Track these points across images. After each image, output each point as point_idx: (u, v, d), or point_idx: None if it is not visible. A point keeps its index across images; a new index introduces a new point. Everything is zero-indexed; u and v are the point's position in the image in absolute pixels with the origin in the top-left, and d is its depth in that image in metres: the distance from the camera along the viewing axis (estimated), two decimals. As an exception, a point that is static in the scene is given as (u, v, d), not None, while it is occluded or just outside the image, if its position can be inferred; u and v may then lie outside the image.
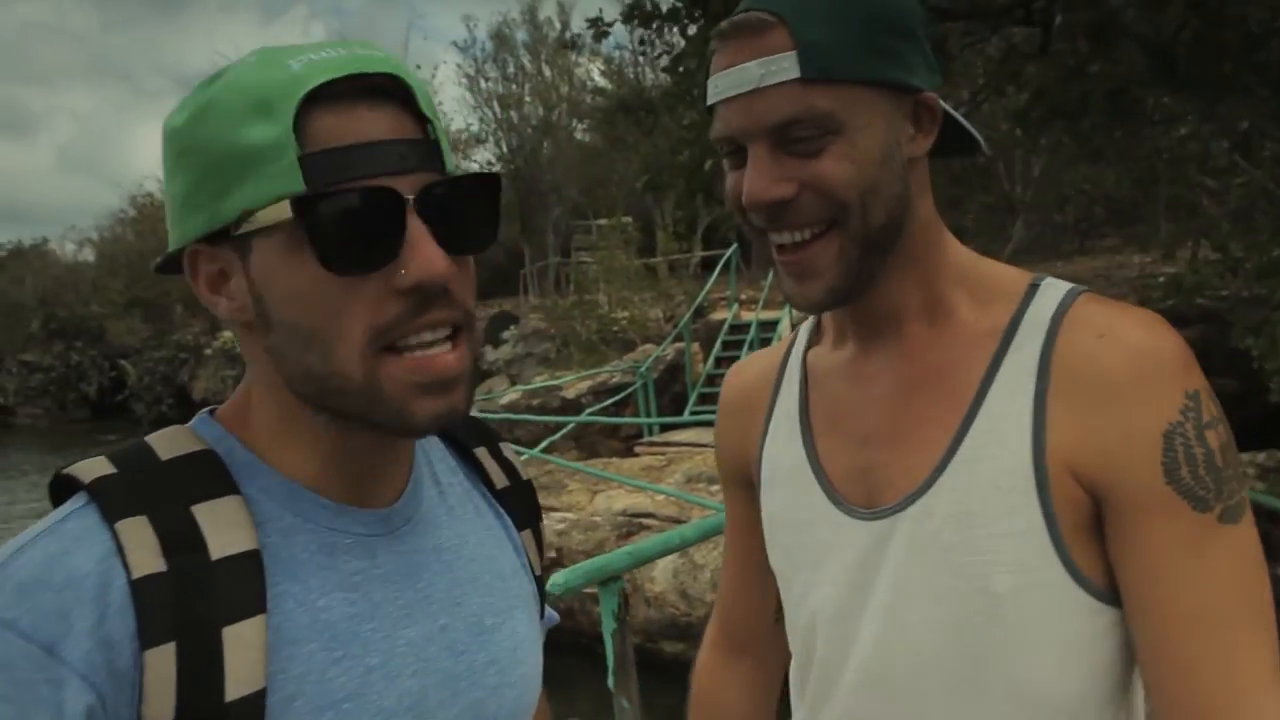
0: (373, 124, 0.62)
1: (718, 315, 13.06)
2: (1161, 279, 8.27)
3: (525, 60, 26.58)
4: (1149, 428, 0.73)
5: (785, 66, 0.75)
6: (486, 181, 0.67)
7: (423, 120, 0.65)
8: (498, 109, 26.54)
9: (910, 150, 0.81)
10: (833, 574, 0.86)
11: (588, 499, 7.75)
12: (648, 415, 10.44)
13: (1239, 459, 0.77)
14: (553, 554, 6.86)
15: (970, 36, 4.89)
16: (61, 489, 0.64)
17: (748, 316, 12.23)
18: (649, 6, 4.06)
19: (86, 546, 0.59)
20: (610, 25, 5.05)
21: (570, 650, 6.54)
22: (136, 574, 0.58)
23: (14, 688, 0.54)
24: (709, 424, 9.74)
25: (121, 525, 0.59)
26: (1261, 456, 7.38)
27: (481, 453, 0.84)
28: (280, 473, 0.67)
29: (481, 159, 26.36)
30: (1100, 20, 2.92)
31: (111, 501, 0.61)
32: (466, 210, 0.65)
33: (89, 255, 32.38)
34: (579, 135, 26.67)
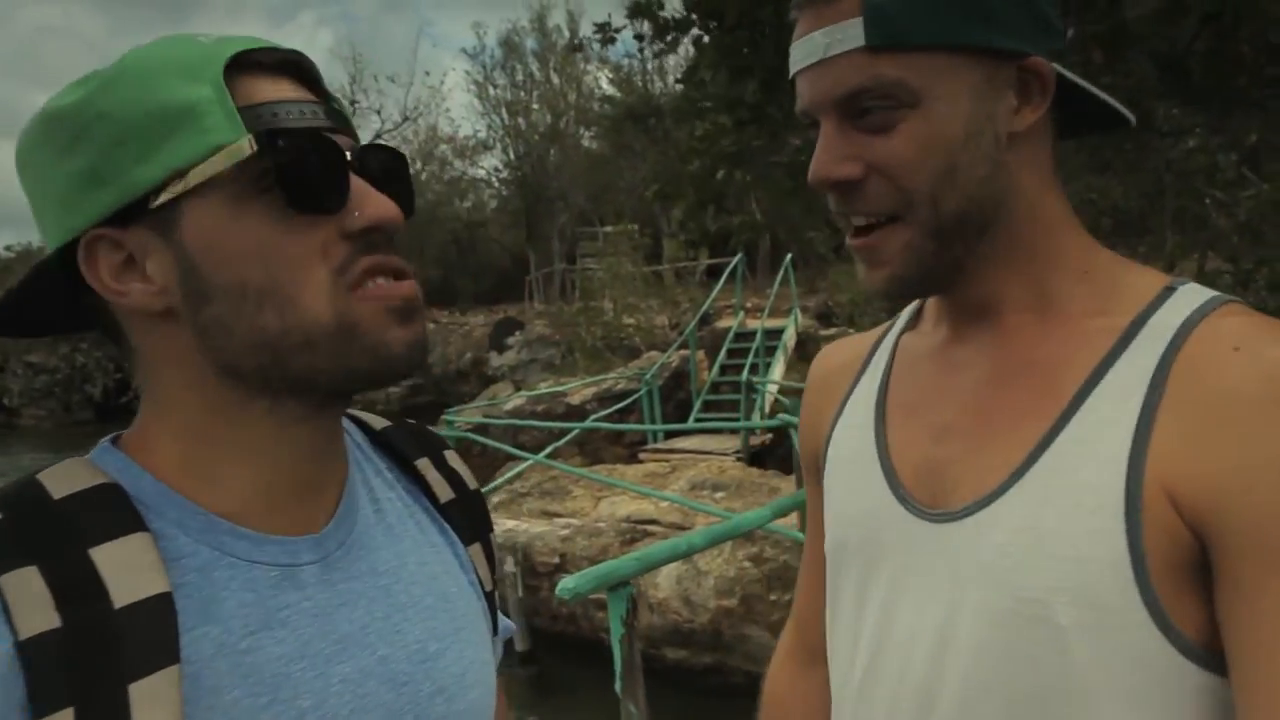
0: (292, 90, 0.62)
1: (723, 323, 13.07)
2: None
3: (534, 68, 26.69)
4: (1271, 464, 0.60)
5: (851, 34, 0.68)
6: (400, 156, 0.68)
7: (327, 99, 0.65)
8: (505, 116, 26.63)
9: (1013, 125, 0.71)
10: (886, 575, 0.78)
11: (592, 505, 7.74)
12: (652, 422, 10.43)
13: None
14: (556, 559, 6.85)
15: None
16: None
17: (753, 324, 12.24)
18: (660, 20, 4.09)
19: None
20: (618, 31, 5.05)
21: (574, 655, 6.54)
22: (25, 634, 0.51)
23: None
24: (714, 432, 9.74)
25: (6, 579, 0.53)
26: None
27: (423, 464, 0.79)
28: (195, 503, 0.61)
29: (489, 165, 26.56)
30: (1114, 29, 2.93)
31: None
32: (393, 178, 0.65)
33: (96, 256, 32.50)
34: (586, 143, 26.73)
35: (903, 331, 0.89)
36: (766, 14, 3.40)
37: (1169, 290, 0.71)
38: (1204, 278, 7.59)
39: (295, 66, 0.63)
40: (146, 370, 0.63)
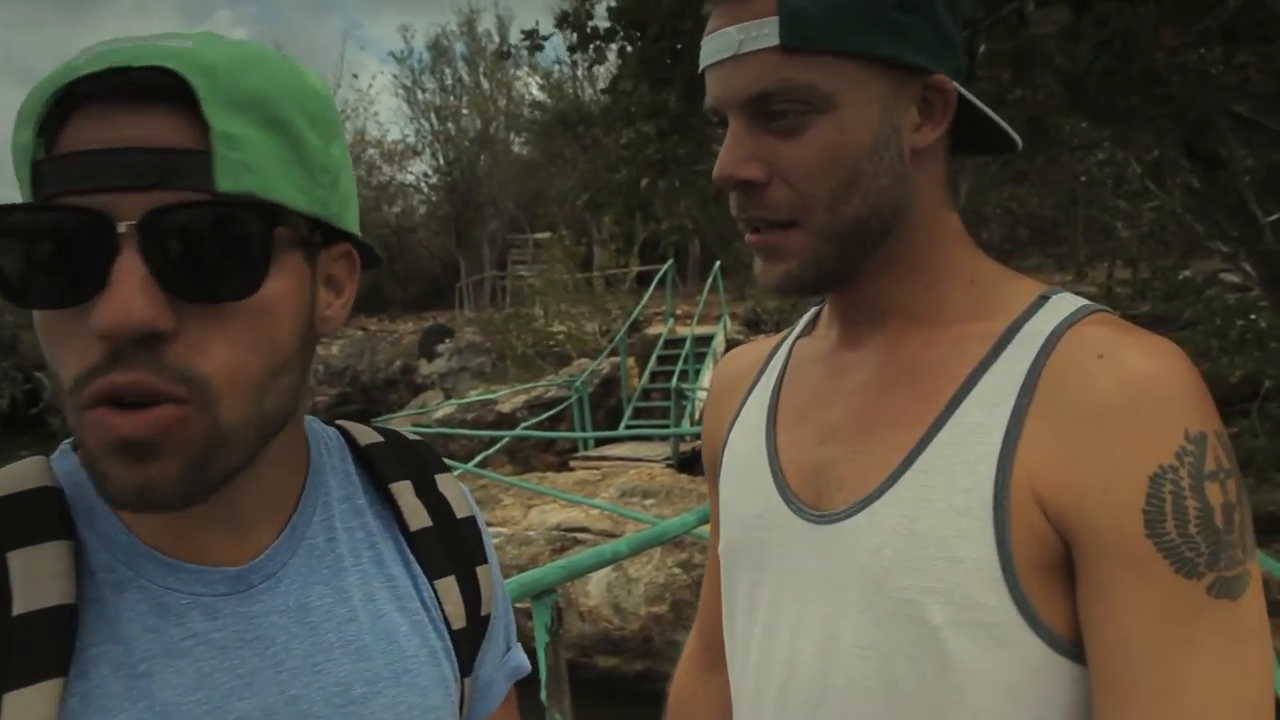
0: (124, 129, 0.52)
1: (654, 330, 13.14)
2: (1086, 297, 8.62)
3: (463, 72, 26.48)
4: (1134, 466, 0.63)
5: (765, 33, 0.68)
6: (247, 211, 0.53)
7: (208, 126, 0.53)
8: (435, 121, 26.36)
9: (914, 140, 0.72)
10: (773, 576, 0.79)
11: (522, 514, 7.71)
12: (583, 430, 10.44)
13: (1248, 522, 0.65)
14: (486, 569, 6.79)
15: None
16: None
17: (683, 331, 12.32)
18: (587, 29, 4.13)
19: None
20: (546, 38, 5.08)
21: (503, 666, 6.49)
22: None
23: None
24: (644, 438, 9.75)
25: None
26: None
27: (400, 487, 0.75)
28: (122, 521, 0.60)
29: (418, 170, 26.22)
30: (1019, 49, 3.07)
31: None
32: (216, 245, 0.52)
33: (3, 262, 31.09)
34: (516, 149, 26.60)
35: (799, 336, 0.90)
36: (688, 25, 3.46)
37: (1043, 299, 0.74)
38: (1108, 285, 7.94)
39: (157, 89, 0.52)
40: None
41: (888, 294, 0.77)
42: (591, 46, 4.21)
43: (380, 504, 0.74)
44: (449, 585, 0.74)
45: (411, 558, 0.73)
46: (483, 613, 0.77)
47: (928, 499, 0.69)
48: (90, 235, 0.51)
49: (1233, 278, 7.91)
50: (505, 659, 0.82)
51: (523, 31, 5.14)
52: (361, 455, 0.75)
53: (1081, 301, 0.73)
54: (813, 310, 0.92)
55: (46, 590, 0.56)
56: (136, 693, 0.57)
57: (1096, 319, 0.71)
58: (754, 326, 13.90)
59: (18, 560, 0.56)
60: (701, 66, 0.74)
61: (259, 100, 0.54)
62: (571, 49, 4.39)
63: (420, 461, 0.78)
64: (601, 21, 4.15)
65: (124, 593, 0.59)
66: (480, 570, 0.78)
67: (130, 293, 0.50)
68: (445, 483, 0.79)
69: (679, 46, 3.57)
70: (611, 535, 6.56)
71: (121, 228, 0.51)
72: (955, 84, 0.72)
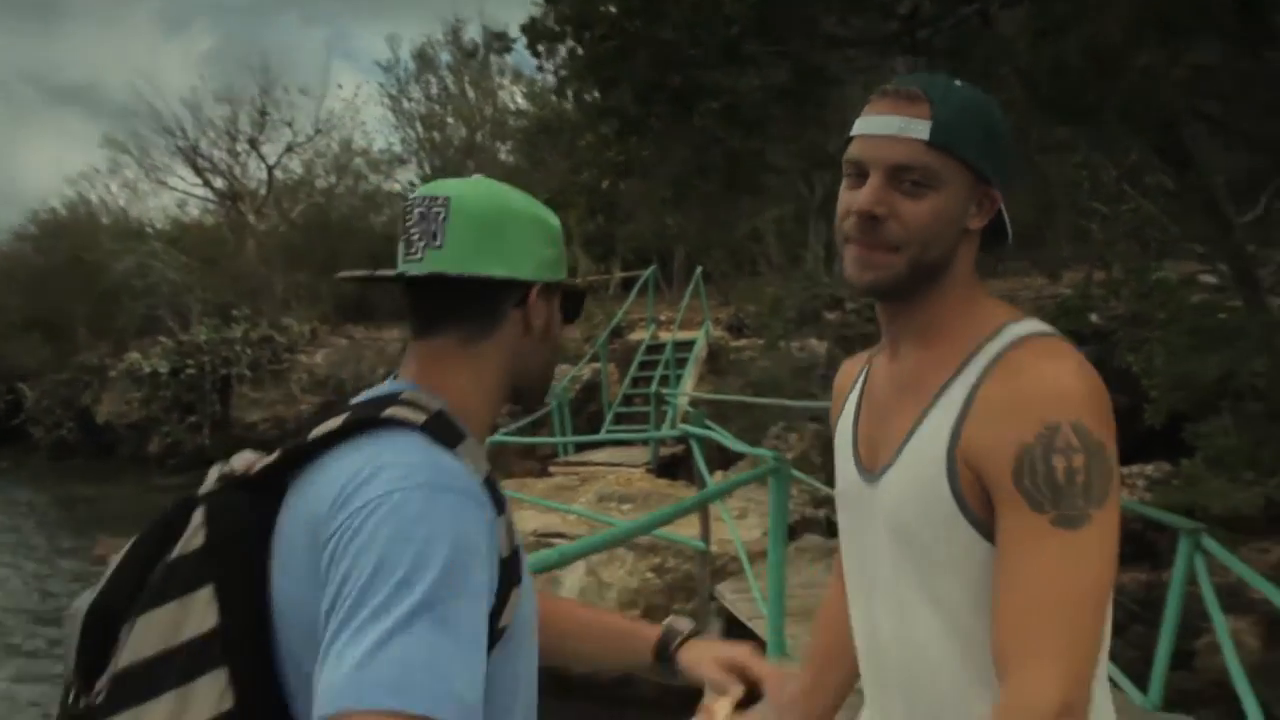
0: None
1: (635, 336, 13.12)
2: (1061, 299, 8.62)
3: (449, 81, 26.44)
4: (1008, 443, 1.00)
5: (919, 128, 1.05)
6: None
7: None
8: (420, 129, 26.31)
9: (969, 223, 1.12)
10: (849, 515, 1.24)
11: (499, 520, 7.66)
12: (563, 435, 10.40)
13: (1094, 483, 0.97)
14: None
15: (857, 64, 5.04)
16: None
17: (665, 337, 12.31)
18: (540, 27, 4.14)
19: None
20: (514, 41, 5.09)
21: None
22: (504, 552, 0.93)
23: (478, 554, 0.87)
24: (624, 443, 9.66)
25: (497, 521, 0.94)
26: (1150, 468, 7.71)
27: None
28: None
29: (405, 179, 26.11)
30: (954, 49, 3.04)
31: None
32: None
33: (-15, 273, 30.76)
34: (502, 156, 26.58)
35: (874, 355, 1.30)
36: (636, 25, 3.43)
37: (1002, 326, 1.10)
38: (1081, 287, 7.93)
39: None
40: (491, 346, 1.03)
41: (916, 316, 1.14)
42: (541, 46, 4.21)
43: None
44: None
45: None
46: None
47: (914, 463, 1.10)
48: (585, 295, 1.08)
49: (1210, 278, 7.92)
50: None
51: (493, 33, 5.16)
52: None
53: (1032, 329, 1.09)
54: (884, 340, 1.31)
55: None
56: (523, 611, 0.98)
57: (1030, 343, 1.06)
58: (737, 331, 13.88)
59: (503, 519, 0.95)
60: (858, 133, 1.10)
61: None
62: (528, 48, 4.40)
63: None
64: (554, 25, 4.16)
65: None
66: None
67: None
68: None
69: (627, 47, 3.54)
70: (586, 541, 6.51)
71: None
72: (1001, 197, 1.12)
